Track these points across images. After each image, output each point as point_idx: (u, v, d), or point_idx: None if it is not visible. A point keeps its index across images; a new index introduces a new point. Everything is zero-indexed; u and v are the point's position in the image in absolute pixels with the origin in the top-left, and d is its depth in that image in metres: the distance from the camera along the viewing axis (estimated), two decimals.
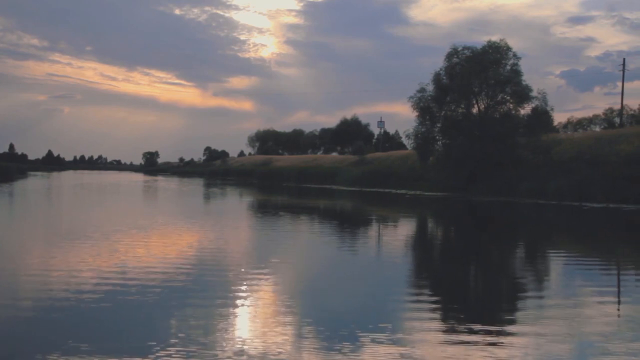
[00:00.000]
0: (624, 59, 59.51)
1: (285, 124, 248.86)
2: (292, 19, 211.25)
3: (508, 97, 42.82)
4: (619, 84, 57.91)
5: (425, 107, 43.98)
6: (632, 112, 57.91)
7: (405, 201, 36.41)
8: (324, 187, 55.50)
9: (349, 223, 22.29)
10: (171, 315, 7.17)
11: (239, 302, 7.96)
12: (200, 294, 8.36)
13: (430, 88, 44.18)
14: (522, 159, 40.44)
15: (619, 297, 9.01)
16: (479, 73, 41.95)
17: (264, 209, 29.11)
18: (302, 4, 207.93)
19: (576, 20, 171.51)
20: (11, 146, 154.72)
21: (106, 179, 74.95)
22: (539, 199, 33.33)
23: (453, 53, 43.63)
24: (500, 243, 16.75)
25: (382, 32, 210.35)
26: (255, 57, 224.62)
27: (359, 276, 10.51)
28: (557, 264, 12.82)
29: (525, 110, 42.94)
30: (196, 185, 59.76)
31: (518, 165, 39.81)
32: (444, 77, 43.80)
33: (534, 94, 42.20)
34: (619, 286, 10.10)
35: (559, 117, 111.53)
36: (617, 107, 61.83)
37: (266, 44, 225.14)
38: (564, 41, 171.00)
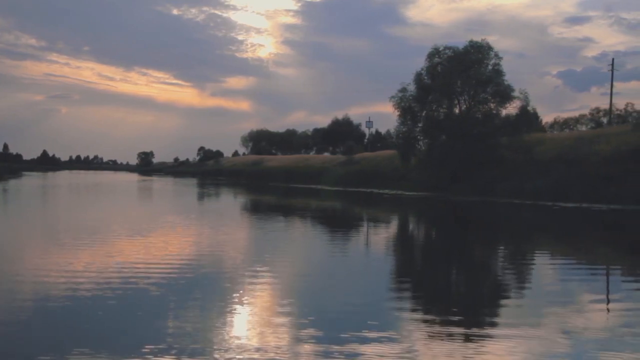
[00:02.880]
0: (612, 59, 59.89)
1: (282, 124, 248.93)
2: (290, 19, 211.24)
3: (489, 97, 42.80)
4: (616, 84, 58.41)
5: (406, 107, 43.97)
6: (619, 112, 57.71)
7: (382, 201, 36.37)
8: (309, 187, 55.45)
9: (295, 222, 22.24)
10: (170, 315, 7.22)
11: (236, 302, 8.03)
12: (198, 295, 8.42)
13: (411, 88, 44.21)
14: (504, 159, 40.40)
15: (609, 295, 9.03)
16: (460, 73, 41.95)
17: (229, 209, 29.08)
18: (299, 4, 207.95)
19: (573, 20, 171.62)
20: (5, 146, 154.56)
21: (97, 179, 74.90)
22: (517, 198, 33.30)
23: (434, 53, 43.64)
24: (461, 242, 16.74)
25: (380, 32, 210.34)
26: (253, 57, 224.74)
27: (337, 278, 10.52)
28: (515, 261, 12.82)
29: (508, 110, 43.06)
30: (181, 186, 59.69)
31: (500, 165, 39.78)
32: (426, 77, 43.80)
33: (515, 93, 42.32)
34: (607, 285, 10.17)
35: (554, 117, 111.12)
36: (604, 106, 61.93)
37: (264, 44, 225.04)
38: (561, 41, 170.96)
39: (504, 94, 42.17)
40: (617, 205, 28.02)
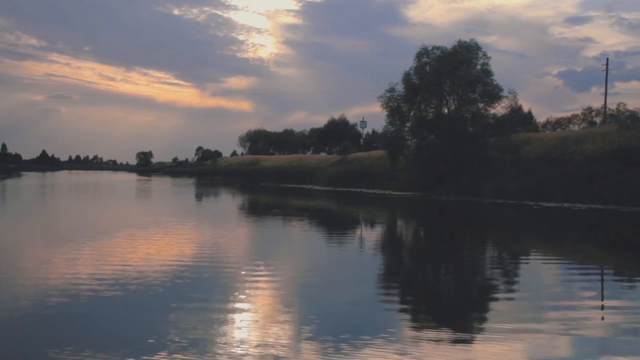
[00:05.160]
0: (607, 59, 59.76)
1: (283, 124, 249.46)
2: (291, 19, 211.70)
3: (478, 97, 42.76)
4: (617, 84, 59.21)
5: (395, 106, 43.94)
6: (611, 112, 57.51)
7: (367, 201, 36.41)
8: (299, 186, 55.46)
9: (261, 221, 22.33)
10: (171, 314, 7.28)
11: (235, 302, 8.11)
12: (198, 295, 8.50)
13: (400, 88, 44.18)
14: (491, 159, 40.41)
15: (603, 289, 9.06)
16: (449, 73, 41.86)
17: (213, 210, 29.17)
18: (300, 5, 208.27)
19: (574, 20, 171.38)
20: (4, 146, 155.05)
21: (93, 179, 75.10)
22: (500, 198, 33.33)
23: (423, 53, 43.59)
24: (447, 242, 16.81)
25: (380, 32, 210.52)
26: (254, 58, 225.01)
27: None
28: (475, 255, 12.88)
29: (496, 109, 43.02)
30: (175, 186, 59.82)
31: (487, 165, 39.79)
32: (414, 77, 43.75)
33: (504, 93, 42.28)
34: (602, 283, 10.17)
35: (547, 117, 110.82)
36: (597, 106, 61.82)
37: (264, 44, 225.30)
38: (561, 41, 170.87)
39: (493, 94, 42.10)
40: (599, 205, 28.03)
